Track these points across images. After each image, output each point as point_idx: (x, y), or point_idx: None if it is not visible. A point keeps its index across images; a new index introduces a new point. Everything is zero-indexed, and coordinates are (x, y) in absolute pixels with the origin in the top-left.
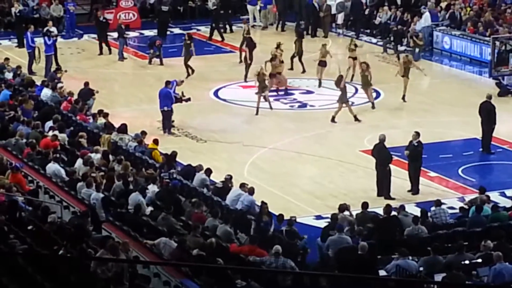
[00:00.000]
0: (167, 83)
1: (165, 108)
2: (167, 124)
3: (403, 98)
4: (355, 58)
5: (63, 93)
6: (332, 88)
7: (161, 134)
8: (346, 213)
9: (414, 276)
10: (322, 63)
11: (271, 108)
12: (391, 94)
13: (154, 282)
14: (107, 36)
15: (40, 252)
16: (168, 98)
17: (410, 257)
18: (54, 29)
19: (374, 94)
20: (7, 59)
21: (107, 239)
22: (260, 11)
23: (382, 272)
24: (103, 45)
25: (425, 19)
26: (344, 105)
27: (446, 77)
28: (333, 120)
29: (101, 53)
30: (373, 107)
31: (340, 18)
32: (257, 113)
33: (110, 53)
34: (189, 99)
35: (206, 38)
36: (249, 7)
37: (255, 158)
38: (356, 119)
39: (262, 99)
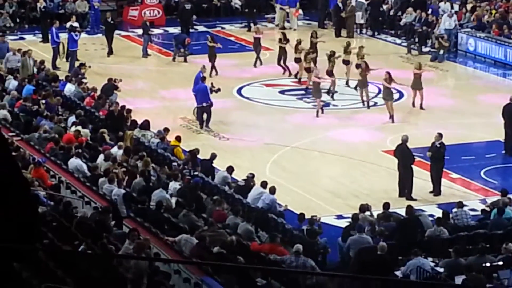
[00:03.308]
0: (204, 78)
1: (204, 104)
2: (208, 118)
3: (421, 106)
4: (348, 62)
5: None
6: (354, 88)
7: (184, 131)
8: (367, 213)
9: (432, 275)
10: (358, 65)
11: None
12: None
13: (174, 279)
14: (113, 37)
15: (62, 248)
16: (206, 94)
17: (430, 258)
18: (76, 25)
19: (371, 95)
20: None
21: (133, 232)
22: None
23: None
24: (111, 45)
25: (453, 20)
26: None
27: (470, 78)
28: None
29: (110, 53)
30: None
31: (358, 17)
32: (320, 113)
33: (108, 56)
34: (219, 90)
35: (229, 36)
36: (276, 6)
37: (277, 156)
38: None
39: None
